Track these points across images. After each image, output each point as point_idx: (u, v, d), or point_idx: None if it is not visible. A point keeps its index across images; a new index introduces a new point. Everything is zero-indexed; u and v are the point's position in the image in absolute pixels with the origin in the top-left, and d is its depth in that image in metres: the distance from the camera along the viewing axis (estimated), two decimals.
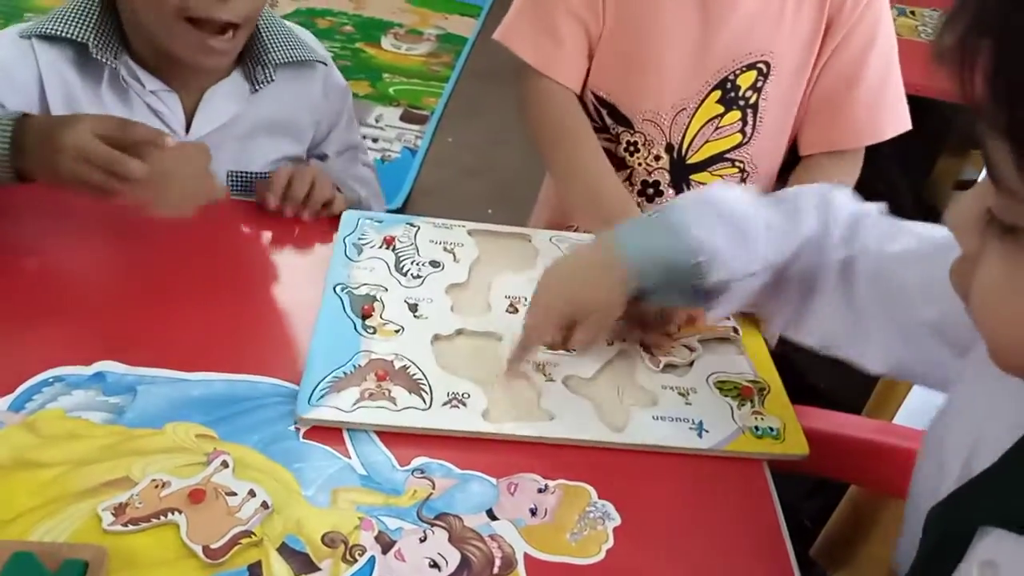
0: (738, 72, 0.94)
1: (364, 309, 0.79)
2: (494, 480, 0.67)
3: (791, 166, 1.02)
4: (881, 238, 0.69)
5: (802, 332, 0.74)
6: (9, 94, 0.88)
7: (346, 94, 1.07)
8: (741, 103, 0.96)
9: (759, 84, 0.95)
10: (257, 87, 0.96)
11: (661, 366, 0.79)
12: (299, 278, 0.85)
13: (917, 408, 1.15)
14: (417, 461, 0.67)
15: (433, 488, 0.65)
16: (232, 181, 0.98)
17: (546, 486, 0.67)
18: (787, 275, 0.72)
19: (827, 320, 0.72)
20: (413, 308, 0.81)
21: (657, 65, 0.96)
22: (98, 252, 0.85)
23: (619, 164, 1.03)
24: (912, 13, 1.92)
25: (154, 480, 0.62)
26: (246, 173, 0.99)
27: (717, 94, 0.96)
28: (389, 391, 0.71)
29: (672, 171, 1.01)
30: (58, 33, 0.87)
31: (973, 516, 0.49)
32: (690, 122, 0.98)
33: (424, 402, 0.71)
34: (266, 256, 0.87)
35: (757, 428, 0.73)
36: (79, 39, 0.87)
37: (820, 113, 0.98)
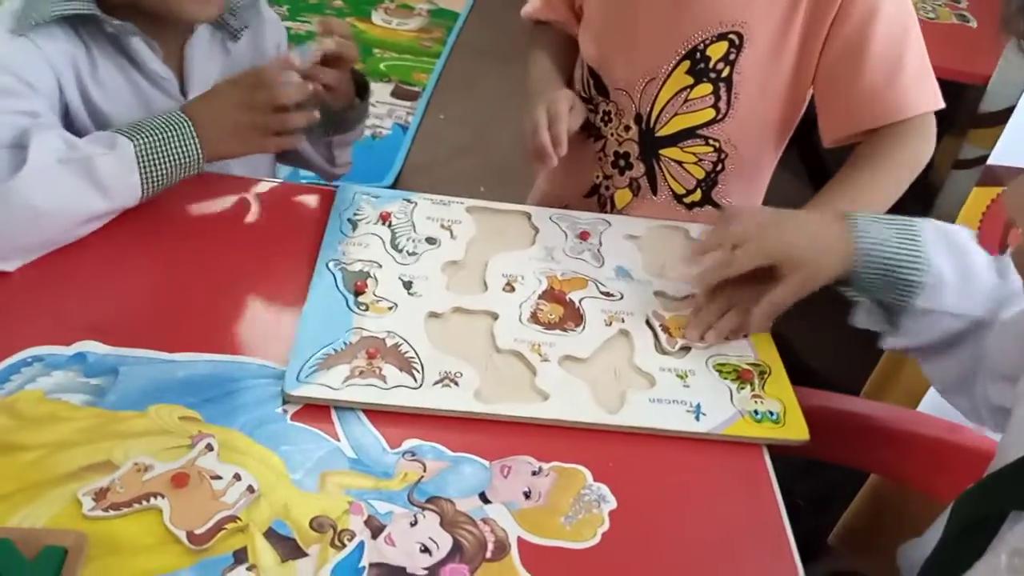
0: (708, 42, 0.91)
1: (357, 285, 0.78)
2: (487, 462, 0.65)
3: (813, 163, 0.98)
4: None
5: (964, 400, 0.73)
6: (36, 100, 0.81)
7: (280, 27, 1.04)
8: (712, 75, 0.93)
9: (732, 57, 0.92)
10: (238, 35, 0.94)
11: (677, 347, 0.77)
12: (288, 256, 0.83)
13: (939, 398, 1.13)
14: (408, 443, 0.66)
15: (424, 471, 0.64)
16: None
17: (540, 468, 0.65)
18: (974, 334, 0.71)
19: (989, 396, 0.70)
20: (407, 285, 0.79)
21: (630, 33, 0.95)
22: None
23: (596, 134, 1.02)
24: None
25: (136, 464, 0.60)
26: None
27: (686, 64, 0.93)
28: (380, 369, 0.70)
29: (641, 143, 0.99)
30: (65, 12, 0.81)
31: (1004, 501, 0.48)
32: (659, 92, 0.95)
33: (415, 381, 0.69)
34: (254, 233, 0.85)
35: (756, 412, 0.72)
36: (86, 12, 0.82)
37: (828, 94, 0.93)
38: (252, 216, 0.87)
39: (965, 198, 1.38)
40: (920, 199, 1.82)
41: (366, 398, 0.68)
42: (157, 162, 0.79)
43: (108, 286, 0.77)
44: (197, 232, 0.84)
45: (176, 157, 0.79)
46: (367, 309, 0.76)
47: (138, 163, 0.78)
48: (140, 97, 0.88)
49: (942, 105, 0.91)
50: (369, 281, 0.79)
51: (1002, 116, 1.39)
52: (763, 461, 0.70)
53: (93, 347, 0.69)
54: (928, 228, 0.71)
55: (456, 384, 0.70)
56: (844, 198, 0.89)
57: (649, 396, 0.72)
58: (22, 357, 0.67)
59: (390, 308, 0.76)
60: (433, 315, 0.77)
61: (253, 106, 0.81)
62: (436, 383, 0.70)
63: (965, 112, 1.58)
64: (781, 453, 0.71)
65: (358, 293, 0.77)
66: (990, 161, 1.34)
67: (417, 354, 0.72)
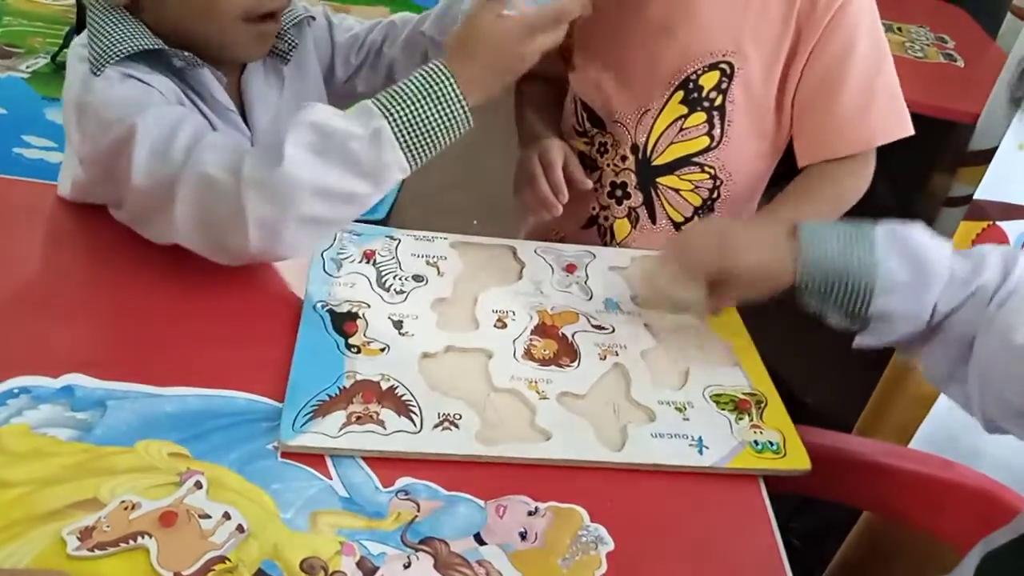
0: (700, 72, 0.93)
1: (346, 327, 0.76)
2: (482, 502, 0.64)
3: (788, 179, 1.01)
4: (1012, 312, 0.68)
5: (958, 390, 0.72)
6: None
7: (321, 23, 1.00)
8: (705, 104, 0.95)
9: (724, 85, 0.94)
10: (287, 57, 0.92)
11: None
12: (277, 289, 0.82)
13: (932, 432, 1.13)
14: (401, 482, 0.65)
15: (418, 511, 0.63)
16: None
17: (536, 508, 0.64)
18: (949, 322, 0.71)
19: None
20: (398, 325, 0.78)
21: (622, 66, 0.96)
22: (70, 258, 0.82)
23: (591, 165, 1.03)
24: (899, 29, 1.92)
25: (123, 502, 0.59)
26: None
27: (680, 94, 0.95)
28: (377, 414, 0.68)
29: (638, 172, 1.00)
30: (137, 49, 0.77)
31: None
32: (654, 123, 0.97)
33: (414, 425, 0.68)
34: (243, 267, 0.84)
35: (757, 443, 0.71)
36: (156, 47, 0.79)
37: (804, 121, 0.96)
38: None
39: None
40: None
41: (366, 445, 0.66)
42: (420, 133, 0.73)
43: (97, 318, 0.76)
44: (186, 265, 0.82)
45: (440, 123, 0.73)
46: (359, 351, 0.74)
47: (398, 141, 0.72)
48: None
49: (911, 132, 0.95)
50: (359, 322, 0.77)
51: (990, 154, 1.41)
52: (761, 497, 0.69)
53: (81, 380, 0.68)
54: (880, 233, 0.72)
55: (456, 426, 0.69)
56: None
57: (650, 431, 0.71)
58: (8, 388, 0.66)
59: (382, 349, 0.75)
60: (426, 355, 0.76)
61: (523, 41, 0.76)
62: (436, 426, 0.68)
63: (955, 150, 1.60)
64: (776, 491, 0.70)
65: (348, 335, 0.76)
66: (976, 196, 1.37)
67: (414, 396, 0.71)
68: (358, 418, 0.68)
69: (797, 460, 0.71)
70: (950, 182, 1.57)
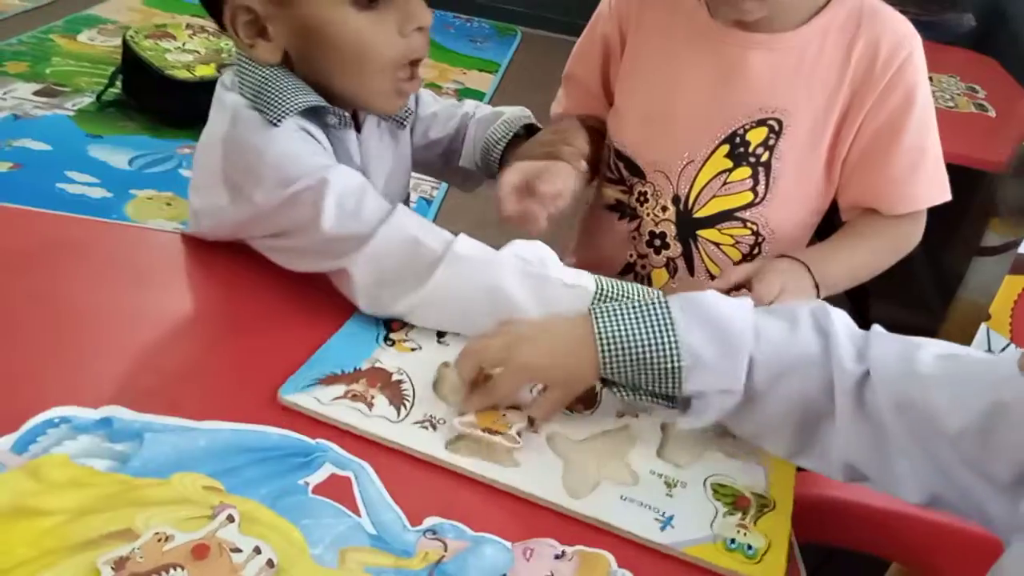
0: (748, 127, 0.94)
1: (394, 323, 0.81)
2: (509, 544, 0.64)
3: (826, 229, 1.01)
4: (898, 361, 0.65)
5: (815, 460, 0.69)
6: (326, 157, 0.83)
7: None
8: (751, 159, 0.95)
9: (771, 142, 0.94)
10: (404, 123, 0.97)
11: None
12: (315, 326, 0.83)
13: None
14: (429, 521, 0.65)
15: (445, 550, 0.63)
16: None
17: (563, 552, 0.64)
18: (777, 395, 0.68)
19: (845, 449, 0.67)
20: (440, 334, 0.82)
21: (669, 118, 0.98)
22: (111, 292, 0.84)
23: (631, 214, 1.04)
24: (930, 79, 1.93)
25: (157, 533, 0.60)
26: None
27: (725, 148, 0.95)
28: (372, 397, 0.72)
29: (678, 223, 1.00)
30: (307, 105, 0.82)
31: None
32: (697, 175, 0.97)
33: (398, 415, 0.71)
34: (285, 305, 0.85)
35: (733, 541, 0.66)
36: (319, 104, 0.83)
37: (853, 177, 0.96)
38: (285, 284, 0.87)
39: (993, 284, 1.38)
40: (940, 287, 1.82)
41: (345, 419, 0.70)
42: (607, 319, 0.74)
43: (136, 351, 0.77)
44: (224, 301, 0.85)
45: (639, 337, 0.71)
46: (392, 345, 0.79)
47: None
48: None
49: (950, 198, 0.96)
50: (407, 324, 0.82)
51: None
52: (793, 553, 0.67)
53: (120, 412, 0.69)
54: (675, 306, 0.69)
55: (434, 428, 0.71)
56: (838, 262, 0.95)
57: (623, 493, 0.69)
58: (49, 417, 0.68)
59: (413, 350, 0.79)
60: (447, 364, 0.78)
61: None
62: (416, 423, 0.71)
63: (986, 200, 1.60)
64: (804, 542, 0.69)
65: (392, 329, 0.81)
66: (1022, 249, 1.35)
67: (413, 393, 0.74)
68: (353, 396, 0.72)
69: (768, 573, 0.64)
70: (982, 232, 1.57)
